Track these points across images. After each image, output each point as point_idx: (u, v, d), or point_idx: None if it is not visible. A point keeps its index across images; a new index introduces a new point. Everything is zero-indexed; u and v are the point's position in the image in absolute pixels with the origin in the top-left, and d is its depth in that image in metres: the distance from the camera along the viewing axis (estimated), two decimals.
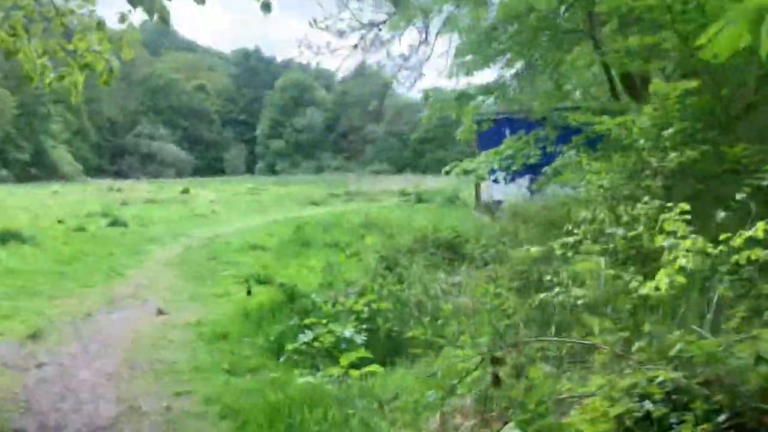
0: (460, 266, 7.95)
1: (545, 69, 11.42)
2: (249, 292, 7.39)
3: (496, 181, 18.64)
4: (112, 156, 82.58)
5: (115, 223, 18.34)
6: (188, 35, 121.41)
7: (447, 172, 12.74)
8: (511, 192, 18.54)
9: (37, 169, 61.41)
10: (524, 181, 18.40)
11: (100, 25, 4.85)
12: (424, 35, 15.69)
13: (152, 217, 20.76)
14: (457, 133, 11.63)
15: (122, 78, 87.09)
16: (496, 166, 12.14)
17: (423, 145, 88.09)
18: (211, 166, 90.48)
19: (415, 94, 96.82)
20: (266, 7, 4.41)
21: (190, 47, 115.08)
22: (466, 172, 12.77)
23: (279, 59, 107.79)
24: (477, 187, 19.15)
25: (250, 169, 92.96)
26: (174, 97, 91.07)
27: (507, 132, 18.82)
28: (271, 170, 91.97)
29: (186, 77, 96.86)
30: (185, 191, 36.86)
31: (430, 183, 39.13)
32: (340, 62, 34.41)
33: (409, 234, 10.60)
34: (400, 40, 15.31)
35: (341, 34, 15.54)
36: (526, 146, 11.82)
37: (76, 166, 69.02)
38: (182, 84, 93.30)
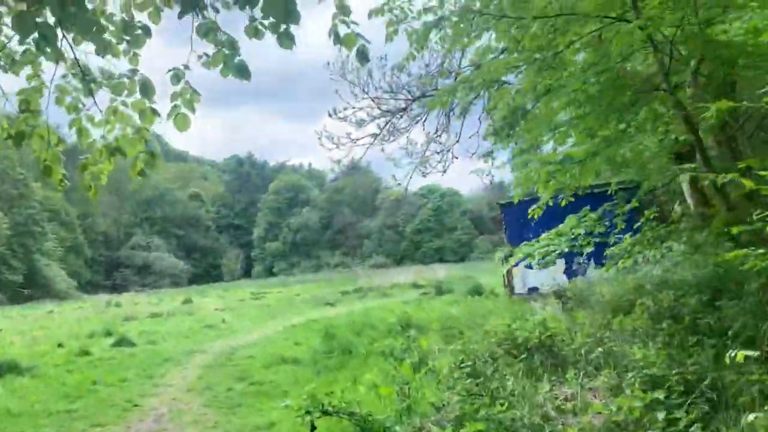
0: (563, 373, 6.43)
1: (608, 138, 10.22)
2: (313, 429, 5.80)
3: (529, 266, 17.24)
4: (106, 270, 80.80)
5: (121, 342, 16.63)
6: (180, 146, 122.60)
7: (506, 258, 11.34)
8: (545, 278, 17.11)
9: (31, 288, 59.44)
10: (558, 266, 17.02)
11: (146, 86, 3.52)
12: (445, 121, 14.83)
13: (160, 332, 19.06)
14: (531, 210, 10.22)
15: (115, 191, 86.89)
16: (566, 249, 10.73)
17: (419, 235, 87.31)
18: (208, 273, 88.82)
19: (411, 187, 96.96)
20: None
21: (182, 158, 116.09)
22: (528, 258, 11.38)
23: (271, 163, 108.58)
24: (508, 274, 17.71)
25: (247, 274, 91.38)
26: (168, 206, 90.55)
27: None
28: (269, 272, 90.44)
29: (179, 186, 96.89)
30: (187, 301, 35.18)
31: (439, 272, 37.67)
32: (360, 151, 33.51)
33: (470, 333, 9.10)
34: (424, 125, 14.38)
35: (360, 123, 14.63)
36: (596, 224, 10.49)
37: (70, 282, 67.18)
38: (176, 193, 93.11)
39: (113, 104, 3.78)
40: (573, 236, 10.73)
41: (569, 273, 16.81)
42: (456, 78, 14.46)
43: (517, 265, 17.51)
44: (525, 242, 15.36)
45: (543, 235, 11.03)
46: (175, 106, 3.75)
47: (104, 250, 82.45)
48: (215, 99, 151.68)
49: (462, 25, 7.24)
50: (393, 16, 7.77)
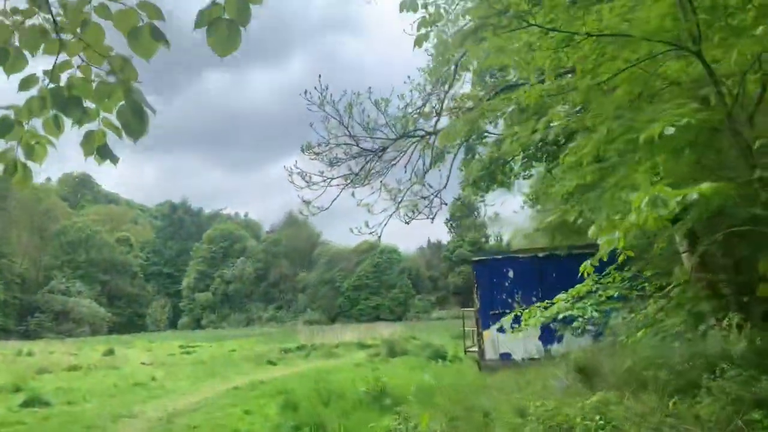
0: None
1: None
2: None
3: (501, 330, 15.79)
4: (20, 314, 74.59)
5: (33, 401, 14.03)
6: (110, 188, 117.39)
7: (517, 322, 9.83)
8: (517, 344, 15.66)
9: None
10: (531, 331, 15.62)
11: None
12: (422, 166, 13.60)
13: (81, 390, 16.46)
14: (585, 265, 8.74)
15: (37, 230, 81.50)
16: (594, 314, 9.28)
17: (357, 292, 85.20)
18: (131, 322, 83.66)
19: (347, 242, 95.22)
20: None
21: (112, 199, 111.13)
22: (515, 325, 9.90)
23: (207, 210, 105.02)
24: (478, 338, 16.16)
25: (173, 324, 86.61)
26: (94, 250, 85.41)
27: (510, 273, 16.40)
28: (197, 324, 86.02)
29: (108, 230, 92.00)
30: (109, 352, 31.94)
31: (383, 331, 35.76)
32: (331, 193, 31.73)
33: (462, 410, 7.46)
34: (405, 168, 13.00)
35: (334, 162, 13.18)
36: (630, 285, 9.11)
37: None
38: (104, 237, 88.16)
39: None
40: (596, 301, 9.29)
41: (545, 339, 15.44)
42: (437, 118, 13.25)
43: (486, 328, 16.08)
44: (496, 305, 14.12)
45: (559, 296, 9.56)
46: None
47: (19, 293, 76.30)
48: (151, 141, 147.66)
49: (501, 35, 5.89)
50: (426, 14, 6.38)
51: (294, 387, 14.62)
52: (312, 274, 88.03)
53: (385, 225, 14.01)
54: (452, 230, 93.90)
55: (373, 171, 13.54)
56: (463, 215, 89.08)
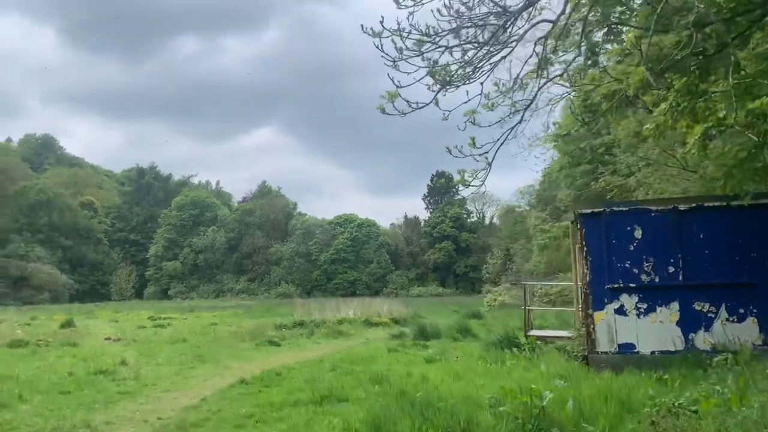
0: None
1: None
2: None
3: (621, 311, 10.99)
4: None
5: None
6: (74, 151, 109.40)
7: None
8: (646, 331, 10.86)
9: None
10: (664, 313, 10.82)
11: None
12: None
13: (18, 381, 11.17)
14: None
15: None
16: None
17: (333, 265, 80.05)
18: (94, 291, 77.06)
19: (324, 215, 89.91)
20: None
21: (76, 163, 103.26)
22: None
23: (176, 177, 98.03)
24: (586, 320, 11.29)
25: (138, 294, 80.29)
26: (56, 214, 78.15)
27: (637, 232, 11.54)
28: (164, 294, 79.90)
29: (71, 194, 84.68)
30: (68, 324, 26.29)
31: (382, 307, 30.81)
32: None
33: None
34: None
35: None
36: None
37: None
38: (66, 200, 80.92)
39: None
40: None
41: (686, 325, 10.70)
42: None
43: (600, 308, 11.27)
44: (614, 276, 9.47)
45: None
46: None
47: None
48: (119, 107, 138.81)
49: None
50: None
51: (339, 385, 9.61)
52: (287, 246, 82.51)
53: (498, 149, 8.94)
54: (429, 206, 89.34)
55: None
56: (444, 190, 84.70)
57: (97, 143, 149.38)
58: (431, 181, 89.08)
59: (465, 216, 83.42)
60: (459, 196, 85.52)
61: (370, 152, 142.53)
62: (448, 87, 8.29)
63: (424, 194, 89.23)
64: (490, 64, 8.65)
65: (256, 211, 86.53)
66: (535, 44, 9.68)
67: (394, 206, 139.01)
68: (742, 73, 9.81)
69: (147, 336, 21.74)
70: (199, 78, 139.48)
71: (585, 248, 11.39)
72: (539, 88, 9.68)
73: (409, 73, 7.49)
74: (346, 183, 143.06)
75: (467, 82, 8.60)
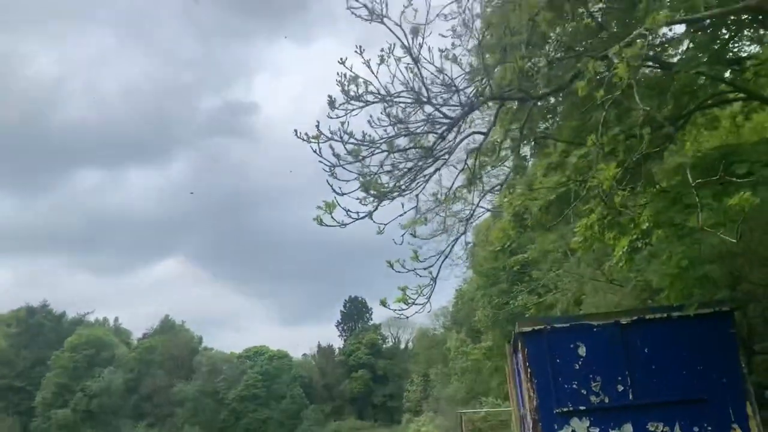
0: None
1: None
2: None
3: None
4: None
5: None
6: None
7: None
8: None
9: None
10: None
11: None
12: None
13: None
14: None
15: None
16: None
17: (243, 403, 74.72)
18: None
19: (233, 348, 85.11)
20: None
21: None
22: None
23: (71, 315, 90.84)
24: None
25: None
26: None
27: (581, 349, 10.83)
28: None
29: None
30: None
31: None
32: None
33: None
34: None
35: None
36: None
37: None
38: None
39: None
40: None
41: None
42: None
43: None
44: (563, 400, 8.81)
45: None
46: None
47: None
48: (8, 243, 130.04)
49: None
50: None
51: None
52: (191, 385, 76.67)
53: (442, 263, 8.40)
54: (343, 333, 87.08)
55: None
56: (358, 316, 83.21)
57: None
58: (344, 306, 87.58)
59: (380, 342, 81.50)
60: (372, 322, 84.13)
61: (279, 281, 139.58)
62: (382, 199, 7.60)
63: (338, 321, 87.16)
64: (424, 176, 8.13)
65: (158, 348, 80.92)
66: (467, 156, 9.30)
67: (307, 335, 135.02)
68: (657, 187, 9.79)
69: None
70: (99, 210, 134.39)
71: (529, 369, 10.51)
72: (480, 199, 9.18)
73: (347, 181, 6.76)
74: (255, 313, 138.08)
75: (402, 194, 7.97)
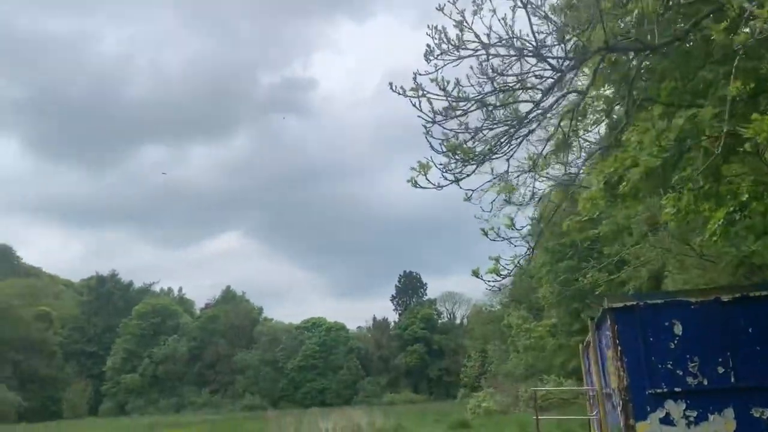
0: None
1: None
2: None
3: (668, 420, 9.33)
4: None
5: None
6: (32, 261, 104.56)
7: None
8: None
9: None
10: (725, 420, 9.22)
11: None
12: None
13: None
14: None
15: None
16: None
17: (301, 373, 76.04)
18: (45, 407, 70.99)
19: (291, 319, 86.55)
20: None
21: (33, 274, 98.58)
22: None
23: (138, 284, 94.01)
24: None
25: (93, 411, 74.36)
26: (7, 326, 73.26)
27: (677, 327, 10.12)
28: (121, 410, 74.22)
29: (26, 305, 79.98)
30: None
31: (360, 419, 28.27)
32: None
33: None
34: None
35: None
36: None
37: None
38: (19, 312, 76.22)
39: None
40: None
41: None
42: None
43: (642, 418, 9.61)
44: (656, 380, 8.11)
45: None
46: None
47: None
48: (81, 216, 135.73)
49: None
50: None
51: None
52: (252, 354, 78.49)
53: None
54: (398, 307, 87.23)
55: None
56: (412, 291, 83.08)
57: (57, 253, 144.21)
58: (399, 281, 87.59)
59: (436, 317, 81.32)
60: (426, 297, 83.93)
61: (335, 255, 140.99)
62: (476, 163, 7.05)
63: (392, 295, 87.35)
64: (517, 138, 7.53)
65: (220, 317, 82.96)
66: (561, 118, 8.61)
67: (362, 308, 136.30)
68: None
69: None
70: (164, 185, 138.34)
71: (619, 347, 9.84)
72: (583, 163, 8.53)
73: (441, 140, 6.22)
74: (312, 286, 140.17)
75: (491, 158, 7.41)
